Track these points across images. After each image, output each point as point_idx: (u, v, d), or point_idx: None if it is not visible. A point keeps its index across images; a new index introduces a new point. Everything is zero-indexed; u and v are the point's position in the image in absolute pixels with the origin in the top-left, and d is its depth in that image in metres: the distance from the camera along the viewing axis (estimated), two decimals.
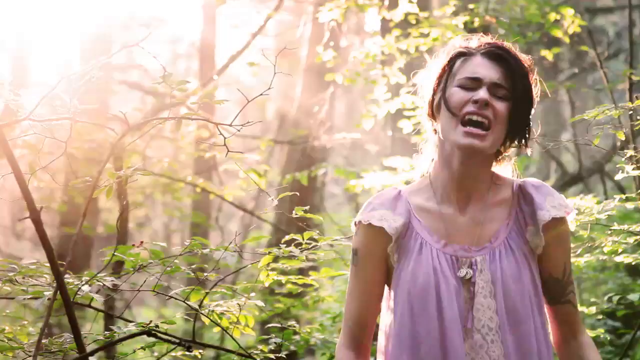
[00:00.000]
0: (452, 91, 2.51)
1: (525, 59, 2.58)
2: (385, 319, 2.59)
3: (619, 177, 4.01)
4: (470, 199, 2.55)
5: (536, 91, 2.59)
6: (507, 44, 2.58)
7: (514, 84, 2.49)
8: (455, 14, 7.06)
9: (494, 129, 2.48)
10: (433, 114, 2.58)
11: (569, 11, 6.90)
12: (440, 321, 2.46)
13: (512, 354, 2.45)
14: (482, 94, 2.46)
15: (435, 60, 2.62)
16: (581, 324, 2.64)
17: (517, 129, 2.53)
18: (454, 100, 2.49)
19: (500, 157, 2.61)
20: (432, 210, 2.56)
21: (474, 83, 2.49)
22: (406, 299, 2.50)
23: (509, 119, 2.49)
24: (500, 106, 2.47)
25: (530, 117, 2.57)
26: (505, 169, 2.65)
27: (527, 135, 2.57)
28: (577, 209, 4.35)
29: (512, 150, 2.65)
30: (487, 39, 2.59)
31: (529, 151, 2.63)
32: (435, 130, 2.60)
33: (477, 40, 2.59)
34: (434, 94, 2.57)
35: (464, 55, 2.55)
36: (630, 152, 3.94)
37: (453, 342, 2.44)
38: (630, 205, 4.32)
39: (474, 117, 2.46)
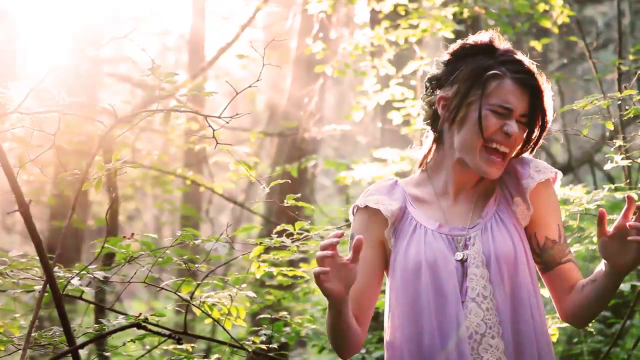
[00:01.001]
0: (486, 114, 2.55)
1: (547, 81, 2.62)
2: (387, 303, 2.63)
3: (607, 167, 4.02)
4: (465, 189, 2.64)
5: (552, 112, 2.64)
6: (531, 64, 2.61)
7: (534, 116, 2.57)
8: (445, 5, 7.05)
9: (509, 156, 2.59)
10: (451, 122, 2.60)
11: (557, 1, 6.90)
12: (438, 296, 2.49)
13: (507, 321, 2.49)
14: (514, 127, 2.54)
15: (463, 64, 2.61)
16: (578, 273, 2.66)
17: (524, 148, 2.63)
18: (486, 125, 2.55)
19: None
20: (429, 201, 2.64)
21: (506, 111, 2.55)
22: (401, 278, 2.55)
23: (523, 145, 2.61)
24: (520, 134, 2.58)
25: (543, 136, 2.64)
26: None
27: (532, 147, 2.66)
28: (567, 199, 4.36)
29: None
30: (509, 45, 2.64)
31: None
32: (442, 131, 2.64)
33: (501, 44, 2.62)
34: (461, 104, 2.58)
35: (496, 77, 2.56)
36: (618, 142, 3.95)
37: (449, 313, 2.48)
38: (619, 195, 4.33)
39: (501, 148, 2.55)
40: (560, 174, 2.66)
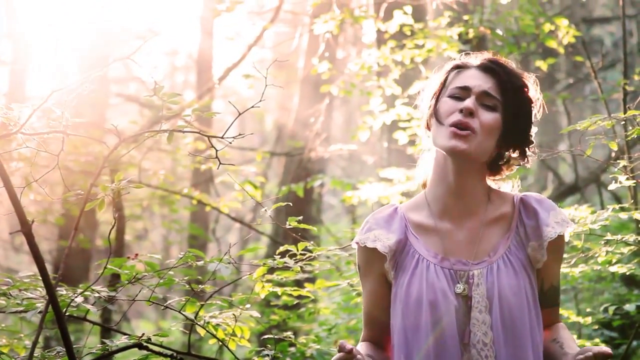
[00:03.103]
0: (442, 101, 2.55)
1: (524, 74, 2.60)
2: (392, 332, 2.61)
3: (612, 187, 4.02)
4: (469, 213, 2.56)
5: (537, 108, 2.60)
6: (506, 60, 2.60)
7: (505, 95, 2.51)
8: (450, 25, 7.07)
9: (479, 135, 2.48)
10: (429, 127, 2.61)
11: (563, 22, 6.92)
12: (438, 338, 2.47)
13: None
14: (468, 102, 2.48)
15: (433, 76, 2.65)
16: (559, 316, 2.67)
17: (510, 141, 2.55)
18: (443, 110, 2.53)
19: (498, 173, 2.62)
20: (430, 227, 2.58)
21: (463, 92, 2.52)
22: (401, 315, 2.53)
23: (499, 130, 2.51)
24: (487, 116, 2.50)
25: (529, 132, 2.58)
26: (505, 184, 2.66)
27: (524, 149, 2.59)
28: (572, 219, 4.36)
29: (513, 169, 2.66)
30: (487, 54, 2.62)
31: (528, 165, 2.64)
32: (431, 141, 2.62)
33: (477, 56, 2.62)
34: (430, 105, 2.60)
35: (459, 68, 2.59)
36: (623, 162, 3.94)
37: (449, 356, 2.45)
38: (624, 216, 4.33)
39: (459, 126, 2.48)
40: (573, 226, 2.60)
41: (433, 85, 2.62)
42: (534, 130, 2.61)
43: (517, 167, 2.65)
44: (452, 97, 2.53)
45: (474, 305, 2.47)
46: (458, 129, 2.48)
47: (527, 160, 2.61)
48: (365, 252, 2.61)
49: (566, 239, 2.63)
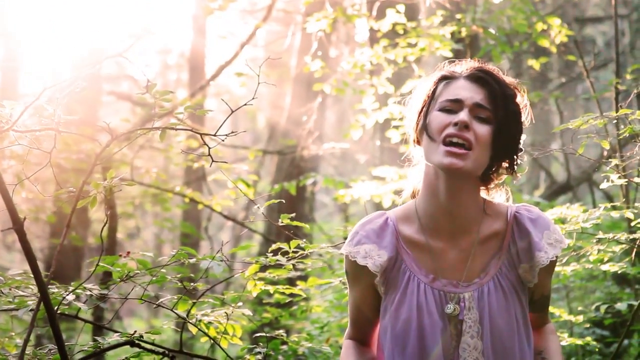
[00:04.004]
0: (433, 115, 2.46)
1: (513, 82, 2.54)
2: (382, 339, 2.58)
3: (604, 186, 4.02)
4: (461, 230, 2.50)
5: (525, 115, 2.54)
6: (494, 68, 2.53)
7: (496, 106, 2.43)
8: (443, 24, 7.08)
9: (475, 151, 2.41)
10: (419, 140, 2.53)
11: (555, 21, 6.93)
12: (422, 359, 2.44)
13: None
14: (462, 115, 2.40)
15: (419, 85, 2.58)
16: (548, 316, 2.67)
17: (502, 152, 2.47)
18: (435, 124, 2.44)
19: (489, 183, 2.54)
20: (421, 243, 2.52)
21: (455, 105, 2.44)
22: (390, 337, 2.50)
23: (492, 142, 2.43)
24: (482, 129, 2.42)
25: (519, 141, 2.51)
26: (498, 194, 2.60)
27: (515, 161, 2.52)
28: (564, 218, 4.37)
29: (503, 177, 2.59)
30: (474, 63, 2.54)
31: (518, 176, 2.57)
32: (421, 156, 2.55)
33: (463, 65, 2.55)
34: (418, 119, 2.53)
35: (447, 78, 2.51)
36: (615, 161, 3.95)
37: None
38: (616, 214, 4.33)
39: (454, 140, 2.40)
40: (566, 243, 2.55)
41: (420, 97, 2.55)
42: (523, 138, 2.54)
43: (506, 176, 2.57)
44: (443, 110, 2.45)
45: (466, 330, 2.44)
46: (454, 147, 2.40)
47: (516, 171, 2.54)
48: (354, 265, 2.55)
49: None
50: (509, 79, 2.54)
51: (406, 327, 2.46)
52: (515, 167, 2.53)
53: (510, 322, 2.45)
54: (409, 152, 2.64)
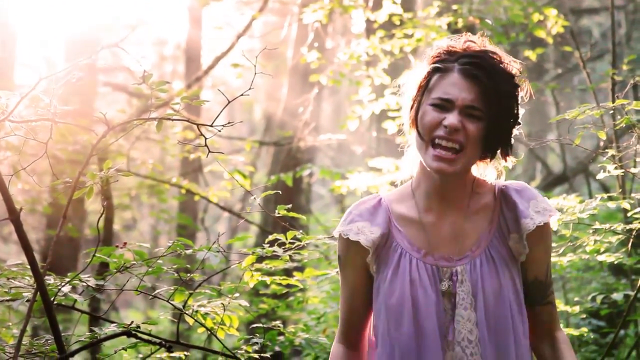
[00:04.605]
0: (425, 110, 2.46)
1: (511, 68, 2.49)
2: (375, 322, 2.59)
3: (600, 176, 4.03)
4: (452, 208, 2.52)
5: (523, 96, 2.52)
6: (491, 54, 2.48)
7: (489, 105, 2.42)
8: (439, 14, 7.08)
9: (466, 151, 2.43)
10: (415, 124, 2.52)
11: (552, 12, 6.93)
12: (418, 334, 2.45)
13: None
14: (452, 119, 2.40)
15: (416, 68, 2.56)
16: (558, 321, 2.64)
17: (494, 145, 2.48)
18: (425, 122, 2.45)
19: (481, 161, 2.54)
20: (413, 220, 2.54)
21: (446, 103, 2.43)
22: (384, 313, 2.50)
23: (483, 138, 2.44)
24: (473, 127, 2.42)
25: (512, 132, 2.50)
26: (488, 171, 2.59)
27: (507, 148, 2.52)
28: (560, 208, 4.37)
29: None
30: (472, 43, 2.50)
31: (509, 163, 2.57)
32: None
33: (461, 44, 2.50)
34: (411, 107, 2.53)
35: (440, 70, 2.47)
36: (611, 152, 3.95)
37: (431, 355, 2.44)
38: (612, 205, 4.34)
39: (443, 142, 2.42)
40: (557, 215, 2.55)
41: (414, 85, 2.53)
42: (517, 128, 2.53)
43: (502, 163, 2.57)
44: (435, 106, 2.44)
45: (459, 302, 2.46)
46: (442, 149, 2.41)
47: (509, 154, 2.53)
48: (347, 244, 2.56)
49: (553, 227, 2.60)
50: (506, 61, 2.50)
51: (400, 303, 2.47)
52: (509, 151, 2.53)
53: (503, 294, 2.47)
54: (405, 140, 2.63)
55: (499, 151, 2.52)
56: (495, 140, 2.46)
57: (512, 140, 2.52)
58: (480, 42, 2.51)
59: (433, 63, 2.50)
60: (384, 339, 2.51)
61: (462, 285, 2.47)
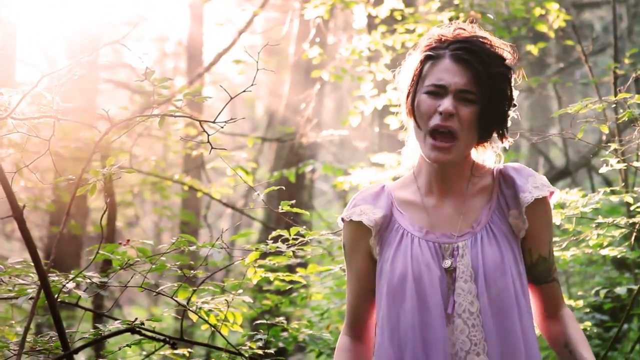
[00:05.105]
0: (420, 98, 2.52)
1: (501, 52, 2.54)
2: (377, 311, 2.61)
3: (603, 170, 4.03)
4: (452, 190, 2.58)
5: (516, 80, 2.57)
6: (481, 39, 2.54)
7: (482, 87, 2.48)
8: (441, 9, 7.07)
9: (462, 137, 2.49)
10: (412, 113, 2.56)
11: (553, 6, 6.91)
12: (422, 309, 2.48)
13: (493, 338, 2.46)
14: (447, 104, 2.47)
15: (410, 58, 2.61)
16: (563, 299, 2.66)
17: (489, 128, 2.54)
18: (421, 110, 2.51)
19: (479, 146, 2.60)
20: (415, 203, 2.59)
21: (440, 90, 2.49)
22: (387, 290, 2.54)
23: (477, 122, 2.50)
24: (467, 112, 2.48)
25: (508, 112, 2.55)
26: (487, 155, 2.64)
27: (503, 130, 2.57)
28: (563, 203, 4.37)
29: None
30: (462, 30, 2.55)
31: (506, 144, 2.62)
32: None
33: (452, 31, 2.56)
34: (407, 97, 2.58)
35: (432, 58, 2.53)
36: (614, 146, 3.95)
37: (434, 328, 2.46)
38: (615, 199, 4.34)
39: (442, 129, 2.48)
40: (557, 192, 2.61)
41: (409, 75, 2.58)
42: (513, 111, 2.59)
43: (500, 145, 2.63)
44: (429, 94, 2.50)
45: (459, 276, 2.49)
46: (439, 141, 2.48)
47: (506, 135, 2.59)
48: (351, 228, 2.62)
49: (556, 222, 2.62)
50: (497, 45, 2.55)
51: (402, 279, 2.51)
52: (506, 132, 2.58)
53: (504, 266, 2.50)
54: (405, 127, 2.67)
55: (496, 134, 2.58)
56: (489, 122, 2.52)
57: (509, 123, 2.58)
58: (470, 28, 2.58)
59: (425, 52, 2.55)
60: (384, 324, 2.53)
61: (463, 259, 2.50)
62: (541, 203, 2.55)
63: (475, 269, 2.49)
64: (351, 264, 2.65)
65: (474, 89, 2.48)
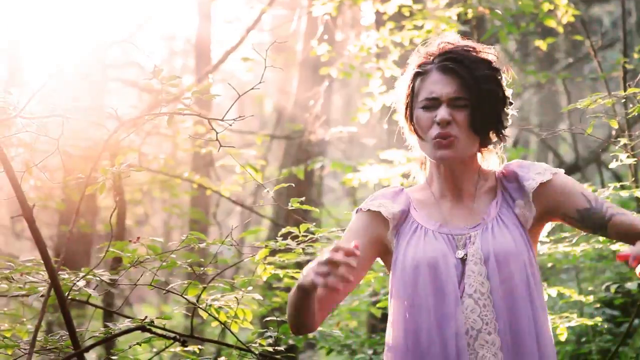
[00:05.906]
0: (417, 114, 2.62)
1: (485, 55, 2.63)
2: (390, 300, 2.64)
3: (612, 165, 4.02)
4: (462, 193, 2.66)
5: (506, 81, 2.65)
6: (463, 47, 2.63)
7: (470, 92, 2.58)
8: (449, 5, 7.05)
9: (461, 139, 2.58)
10: (414, 130, 2.66)
11: (562, 1, 6.90)
12: (437, 294, 2.52)
13: (505, 317, 2.51)
14: (442, 113, 2.57)
15: (400, 82, 2.72)
16: (630, 215, 2.62)
17: (483, 129, 2.62)
18: (421, 124, 2.61)
19: (484, 150, 2.70)
20: (430, 202, 2.68)
21: (434, 102, 2.59)
22: (400, 276, 2.59)
23: (470, 124, 2.59)
24: (461, 116, 2.58)
25: (503, 112, 2.64)
26: (492, 161, 2.73)
27: (500, 130, 2.65)
28: None
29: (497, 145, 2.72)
30: (446, 44, 2.64)
31: (508, 141, 2.71)
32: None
33: (436, 46, 2.64)
34: (406, 114, 2.67)
35: (420, 74, 2.64)
36: (623, 141, 3.94)
37: (449, 309, 2.51)
38: (625, 194, 4.33)
39: (443, 134, 2.57)
40: (562, 171, 2.65)
41: (403, 94, 2.69)
42: (508, 110, 2.67)
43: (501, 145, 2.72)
44: (425, 108, 2.61)
45: (469, 259, 2.55)
46: (441, 139, 2.57)
47: (504, 136, 2.67)
48: (365, 217, 2.68)
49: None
50: (480, 50, 2.64)
51: (416, 264, 2.56)
52: (503, 132, 2.67)
53: (515, 249, 2.56)
54: (409, 143, 2.74)
55: (495, 135, 2.66)
56: (482, 122, 2.61)
57: (509, 122, 2.68)
58: (454, 39, 2.68)
59: (414, 70, 2.67)
60: (400, 299, 2.57)
61: (474, 245, 2.57)
62: (548, 183, 2.61)
63: (485, 252, 2.55)
64: (345, 242, 2.59)
65: (464, 95, 2.58)
